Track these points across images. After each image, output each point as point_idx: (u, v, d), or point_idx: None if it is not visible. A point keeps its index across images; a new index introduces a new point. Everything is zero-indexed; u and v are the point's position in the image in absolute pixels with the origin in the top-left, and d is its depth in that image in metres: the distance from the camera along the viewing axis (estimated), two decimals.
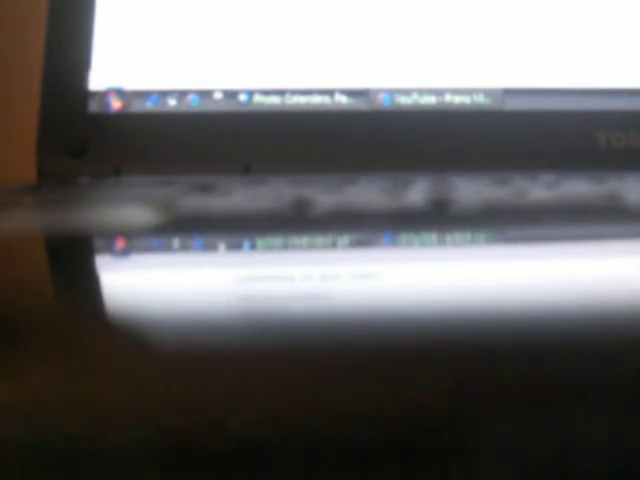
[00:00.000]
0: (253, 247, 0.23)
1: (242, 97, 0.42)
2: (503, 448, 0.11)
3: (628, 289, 0.17)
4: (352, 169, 0.40)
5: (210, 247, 0.23)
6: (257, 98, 0.42)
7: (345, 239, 0.24)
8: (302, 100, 0.42)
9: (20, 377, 0.12)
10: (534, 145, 0.42)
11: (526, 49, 0.43)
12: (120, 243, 0.24)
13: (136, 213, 0.25)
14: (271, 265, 0.20)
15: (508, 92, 0.43)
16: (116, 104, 0.42)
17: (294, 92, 0.42)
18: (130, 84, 0.42)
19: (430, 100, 0.43)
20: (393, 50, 0.43)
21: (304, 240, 0.24)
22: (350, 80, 0.42)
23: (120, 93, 0.42)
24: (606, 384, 0.12)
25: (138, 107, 0.42)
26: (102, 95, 0.42)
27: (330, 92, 0.42)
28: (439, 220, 0.25)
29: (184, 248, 0.23)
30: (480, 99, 0.43)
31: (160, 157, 0.42)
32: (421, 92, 0.43)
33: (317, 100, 0.42)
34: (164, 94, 0.42)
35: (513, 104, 0.43)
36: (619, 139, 0.42)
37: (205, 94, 0.42)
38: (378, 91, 0.43)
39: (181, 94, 0.42)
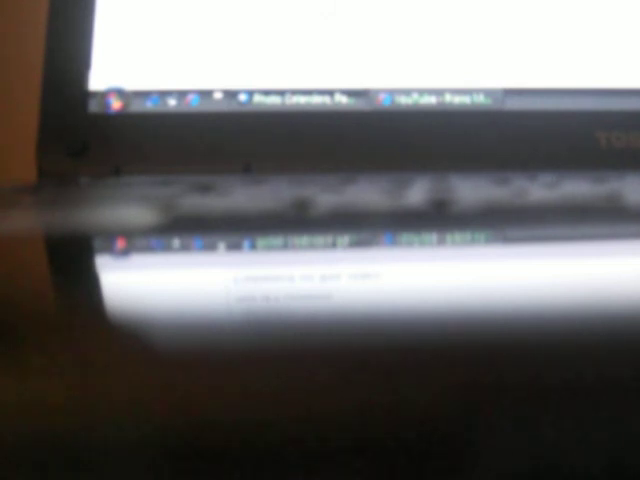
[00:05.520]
0: (253, 247, 0.23)
1: (242, 97, 0.42)
2: (503, 448, 0.11)
3: (628, 289, 0.17)
4: (352, 169, 0.40)
5: (210, 247, 0.23)
6: (257, 98, 0.42)
7: (345, 239, 0.24)
8: (302, 100, 0.42)
9: (21, 377, 0.12)
10: (534, 145, 0.42)
11: (526, 49, 0.43)
12: (120, 243, 0.24)
13: (136, 213, 0.25)
14: (271, 265, 0.20)
15: (508, 92, 0.43)
16: (116, 104, 0.42)
17: (294, 92, 0.42)
18: (130, 84, 0.42)
19: (430, 100, 0.43)
20: (393, 50, 0.43)
21: (304, 240, 0.24)
22: (350, 80, 0.42)
23: (120, 93, 0.42)
24: (606, 383, 0.12)
25: (138, 107, 0.42)
26: (102, 95, 0.42)
27: (330, 92, 0.42)
28: (439, 220, 0.25)
29: (184, 248, 0.23)
30: (480, 99, 0.43)
31: (160, 157, 0.42)
32: (421, 92, 0.43)
33: (317, 100, 0.42)
34: (164, 94, 0.42)
35: (513, 104, 0.43)
36: (619, 139, 0.42)
37: (205, 94, 0.42)
38: (378, 91, 0.43)
39: (181, 94, 0.42)
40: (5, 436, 0.11)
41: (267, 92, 0.42)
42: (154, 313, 0.15)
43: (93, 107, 0.42)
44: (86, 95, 0.42)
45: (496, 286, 0.18)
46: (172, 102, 0.42)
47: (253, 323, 0.15)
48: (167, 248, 0.23)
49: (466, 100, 0.43)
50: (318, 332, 0.14)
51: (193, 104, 0.42)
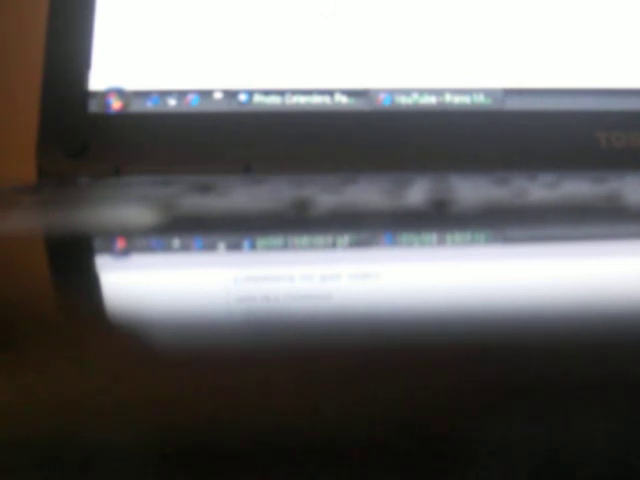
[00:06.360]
0: (253, 247, 0.23)
1: (242, 97, 0.42)
2: (502, 448, 0.11)
3: (628, 289, 0.17)
4: (352, 169, 0.40)
5: (210, 247, 0.23)
6: (257, 98, 0.42)
7: (345, 239, 0.24)
8: (302, 100, 0.42)
9: (20, 377, 0.12)
10: (534, 145, 0.42)
11: (526, 49, 0.43)
12: (120, 243, 0.24)
13: (136, 213, 0.25)
14: (271, 265, 0.20)
15: (508, 92, 0.43)
16: (116, 104, 0.42)
17: (294, 92, 0.42)
18: (130, 84, 0.42)
19: (430, 100, 0.43)
20: (393, 50, 0.43)
21: (304, 240, 0.24)
22: (350, 80, 0.42)
23: (120, 93, 0.42)
24: (607, 383, 0.12)
25: (138, 107, 0.42)
26: (102, 95, 0.42)
27: (330, 92, 0.42)
28: (439, 220, 0.25)
29: (184, 248, 0.23)
30: (480, 99, 0.43)
31: (160, 157, 0.42)
32: (421, 92, 0.43)
33: (317, 100, 0.42)
34: (164, 94, 0.42)
35: (513, 104, 0.43)
36: (619, 139, 0.42)
37: (205, 94, 0.42)
38: (378, 91, 0.43)
39: (181, 94, 0.42)
40: (5, 436, 0.11)
41: (267, 92, 0.42)
42: (154, 313, 0.15)
43: (93, 107, 0.42)
44: (86, 95, 0.42)
45: (496, 286, 0.18)
46: (172, 102, 0.42)
47: (253, 323, 0.15)
48: (167, 248, 0.23)
49: (466, 100, 0.43)
50: (318, 332, 0.14)
51: (193, 104, 0.42)
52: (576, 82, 0.43)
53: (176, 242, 0.24)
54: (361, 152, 0.42)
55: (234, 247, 0.23)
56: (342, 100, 0.42)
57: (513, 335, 0.14)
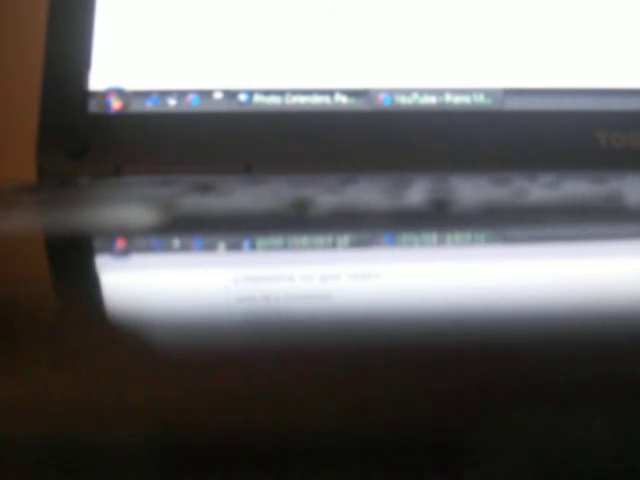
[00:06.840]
0: (253, 247, 0.23)
1: (242, 97, 0.42)
2: (503, 448, 0.11)
3: (628, 289, 0.17)
4: (352, 169, 0.40)
5: (210, 247, 0.23)
6: (257, 98, 0.42)
7: (345, 239, 0.24)
8: (302, 100, 0.42)
9: (20, 377, 0.12)
10: (534, 145, 0.42)
11: (526, 49, 0.43)
12: (120, 243, 0.24)
13: (136, 213, 0.25)
14: (271, 265, 0.20)
15: (508, 92, 0.43)
16: (116, 104, 0.42)
17: (294, 92, 0.42)
18: (130, 84, 0.42)
19: (430, 100, 0.43)
20: (393, 50, 0.43)
21: (304, 240, 0.24)
22: (350, 80, 0.42)
23: (120, 93, 0.42)
24: (606, 382, 0.12)
25: (138, 107, 0.42)
26: (102, 95, 0.42)
27: (330, 92, 0.42)
28: (439, 220, 0.25)
29: (184, 248, 0.23)
30: (480, 99, 0.43)
31: (160, 157, 0.42)
32: (421, 92, 0.43)
33: (317, 100, 0.42)
34: (164, 94, 0.42)
35: (513, 104, 0.43)
36: (619, 139, 0.42)
37: (205, 94, 0.42)
38: (378, 91, 0.43)
39: (181, 94, 0.42)
40: (5, 436, 0.11)
41: (267, 92, 0.42)
42: (154, 313, 0.15)
43: (93, 107, 0.42)
44: (86, 95, 0.42)
45: (496, 286, 0.18)
46: (172, 102, 0.42)
47: (253, 323, 0.15)
48: (167, 248, 0.23)
49: (466, 100, 0.43)
50: (318, 332, 0.14)
51: (193, 104, 0.42)
52: (576, 82, 0.43)
53: (176, 242, 0.24)
54: (361, 152, 0.42)
55: (234, 247, 0.23)
56: (342, 100, 0.42)
57: (513, 335, 0.14)
